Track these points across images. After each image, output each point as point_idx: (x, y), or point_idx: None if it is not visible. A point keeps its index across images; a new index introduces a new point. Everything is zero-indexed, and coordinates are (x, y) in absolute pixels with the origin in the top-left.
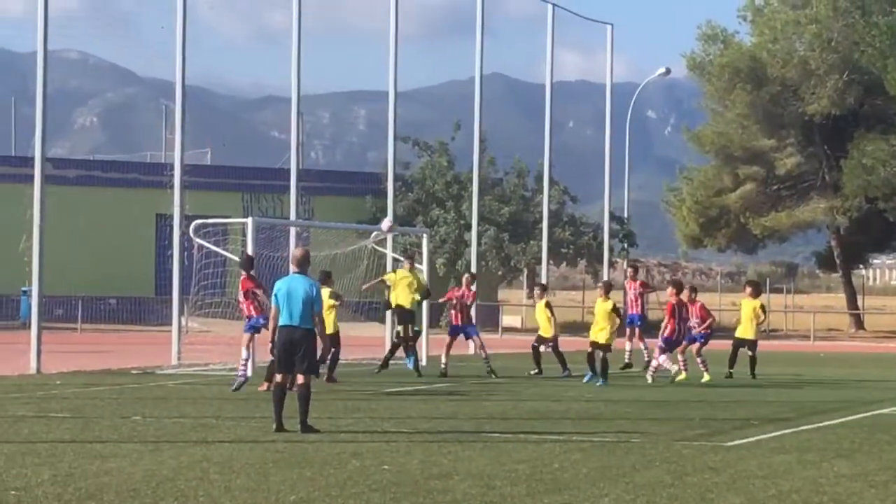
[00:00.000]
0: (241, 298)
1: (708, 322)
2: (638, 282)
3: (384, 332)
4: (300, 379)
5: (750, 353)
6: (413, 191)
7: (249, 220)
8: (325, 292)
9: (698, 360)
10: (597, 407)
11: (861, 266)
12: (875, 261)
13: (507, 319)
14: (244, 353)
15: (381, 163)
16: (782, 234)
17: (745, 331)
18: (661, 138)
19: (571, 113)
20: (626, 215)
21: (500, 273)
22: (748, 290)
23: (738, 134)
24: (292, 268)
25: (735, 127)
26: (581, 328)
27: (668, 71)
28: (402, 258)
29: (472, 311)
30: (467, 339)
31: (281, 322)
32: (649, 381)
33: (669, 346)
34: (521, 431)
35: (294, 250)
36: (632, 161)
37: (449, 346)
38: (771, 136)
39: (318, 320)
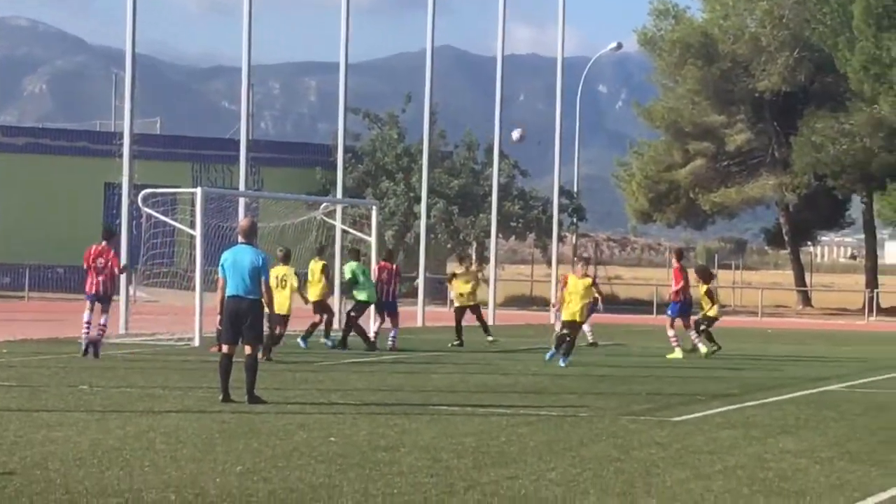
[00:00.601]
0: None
1: (678, 288)
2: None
3: (333, 304)
4: (247, 349)
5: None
6: (363, 163)
7: (198, 191)
8: (289, 270)
9: (671, 333)
10: (544, 381)
11: (809, 243)
12: (823, 238)
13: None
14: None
15: (331, 134)
16: (731, 211)
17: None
18: (612, 113)
19: (522, 86)
20: (575, 190)
21: (448, 246)
22: (697, 277)
23: (689, 109)
24: (239, 238)
25: (686, 102)
26: (530, 302)
27: (619, 46)
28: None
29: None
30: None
31: (227, 293)
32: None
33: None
34: (468, 404)
35: (241, 221)
36: (582, 135)
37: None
38: (721, 112)
39: (266, 290)
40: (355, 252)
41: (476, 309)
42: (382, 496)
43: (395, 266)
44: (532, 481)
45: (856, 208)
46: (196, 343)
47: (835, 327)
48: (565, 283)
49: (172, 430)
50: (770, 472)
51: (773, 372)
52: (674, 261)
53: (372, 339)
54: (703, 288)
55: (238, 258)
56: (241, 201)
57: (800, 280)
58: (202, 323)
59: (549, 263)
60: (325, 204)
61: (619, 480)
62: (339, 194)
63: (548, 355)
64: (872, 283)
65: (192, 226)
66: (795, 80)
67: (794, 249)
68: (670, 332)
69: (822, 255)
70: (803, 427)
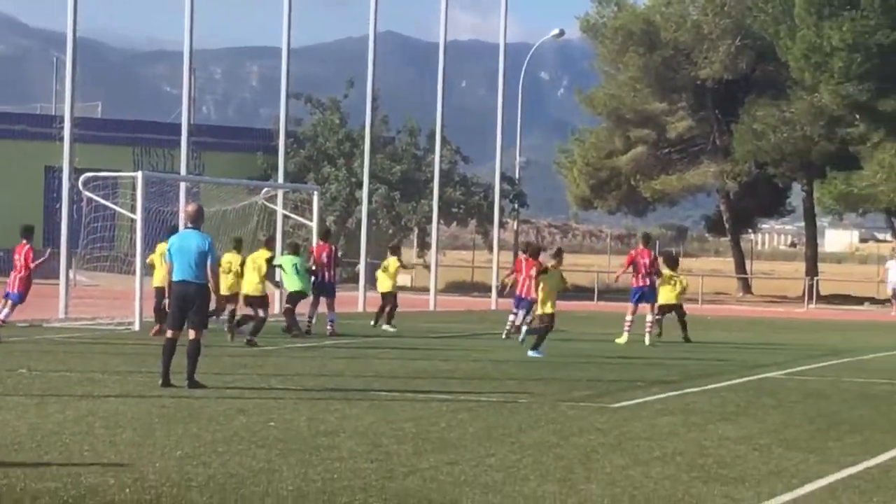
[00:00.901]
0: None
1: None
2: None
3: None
4: (191, 334)
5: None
6: (305, 148)
7: (139, 175)
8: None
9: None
10: (484, 367)
11: (750, 230)
12: (764, 225)
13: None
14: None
15: (273, 119)
16: (672, 198)
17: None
18: (554, 100)
19: (465, 72)
20: (517, 176)
21: (390, 232)
22: (663, 261)
23: (631, 97)
24: (186, 223)
25: (627, 90)
26: (470, 288)
27: (561, 32)
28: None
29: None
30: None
31: (174, 277)
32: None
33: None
34: (408, 390)
35: (187, 206)
36: (524, 122)
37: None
38: (663, 100)
39: (212, 275)
40: (294, 246)
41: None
42: (322, 481)
43: (333, 247)
44: (472, 467)
45: (796, 196)
46: (136, 327)
47: (774, 314)
48: (536, 275)
49: (112, 415)
50: (709, 459)
51: (713, 359)
52: (641, 245)
53: (307, 327)
54: (669, 274)
55: (184, 243)
56: (183, 186)
57: (740, 267)
58: (142, 307)
59: (490, 249)
60: (266, 189)
61: (559, 466)
62: (280, 179)
63: (520, 337)
64: (812, 270)
65: (133, 210)
66: (737, 68)
67: (735, 237)
68: (628, 317)
69: (763, 243)
70: (742, 414)
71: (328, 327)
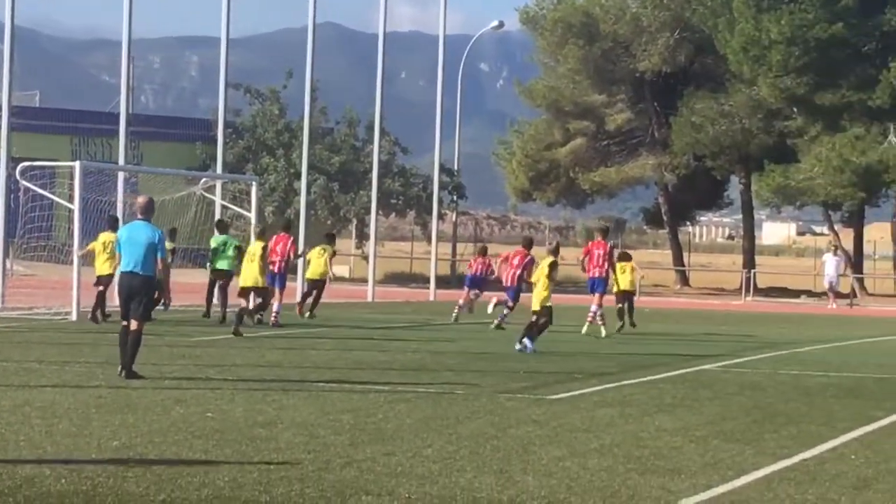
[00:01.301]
0: None
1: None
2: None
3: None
4: (133, 324)
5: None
6: (243, 138)
7: (77, 164)
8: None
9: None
10: (422, 358)
11: (688, 223)
12: (702, 218)
13: (336, 269)
14: None
15: (212, 109)
16: (611, 190)
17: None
18: (494, 91)
19: (404, 64)
20: (456, 167)
21: (329, 223)
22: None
23: (570, 89)
24: (137, 214)
25: (566, 82)
26: (409, 279)
27: (501, 24)
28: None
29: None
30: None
31: (122, 268)
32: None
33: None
34: (346, 381)
35: (138, 198)
36: (463, 113)
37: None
38: (602, 92)
39: (162, 267)
40: (223, 224)
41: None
42: (259, 472)
43: (291, 239)
44: (408, 458)
45: (734, 189)
46: (73, 317)
47: (712, 307)
48: (549, 269)
49: (48, 405)
50: (646, 451)
51: (651, 351)
52: (598, 237)
53: (273, 318)
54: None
55: (134, 235)
56: (121, 176)
57: (678, 260)
58: (80, 297)
59: (428, 241)
60: (204, 179)
61: (496, 458)
62: (219, 169)
63: (528, 350)
64: (749, 263)
65: (71, 200)
66: (676, 61)
67: (673, 229)
68: (595, 308)
69: (701, 235)
70: (679, 406)
71: (272, 317)
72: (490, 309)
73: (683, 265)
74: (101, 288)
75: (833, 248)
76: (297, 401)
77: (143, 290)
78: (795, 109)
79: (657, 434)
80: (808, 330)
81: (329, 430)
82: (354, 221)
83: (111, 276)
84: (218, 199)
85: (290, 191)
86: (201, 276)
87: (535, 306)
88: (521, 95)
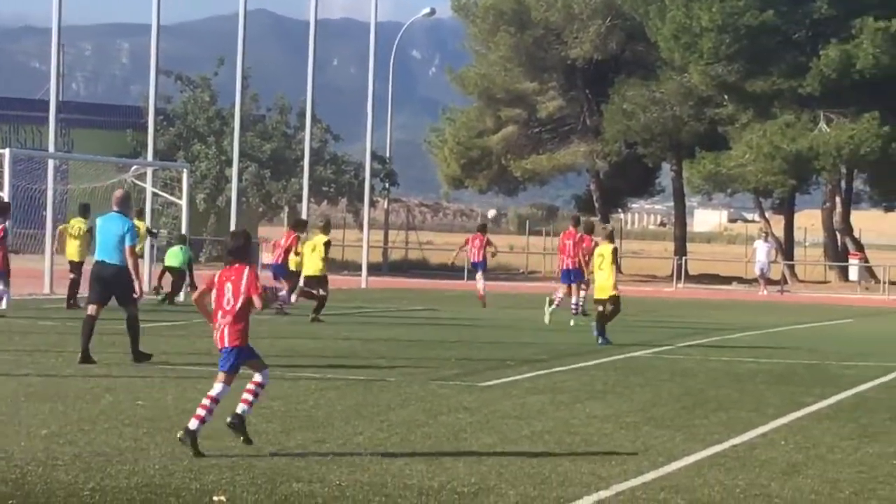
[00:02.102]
0: None
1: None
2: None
3: (142, 266)
4: (127, 311)
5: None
6: (174, 126)
7: (7, 152)
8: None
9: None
10: (353, 346)
11: (619, 210)
12: (633, 205)
13: (266, 257)
14: None
15: (143, 97)
16: (543, 177)
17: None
18: (426, 79)
19: (336, 51)
20: (388, 155)
21: (260, 210)
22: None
23: (501, 76)
24: (114, 207)
25: (498, 69)
26: (340, 267)
27: (432, 11)
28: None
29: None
30: None
31: (95, 257)
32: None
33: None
34: (277, 367)
35: (115, 192)
36: (395, 101)
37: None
38: (533, 79)
39: (130, 257)
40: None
41: None
42: (189, 459)
43: (295, 234)
44: (339, 445)
45: (665, 176)
46: (3, 305)
47: (643, 294)
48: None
49: None
50: (576, 437)
51: (582, 339)
52: (572, 227)
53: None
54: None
55: (106, 226)
56: (51, 163)
57: None
58: (8, 286)
59: (360, 228)
60: (135, 167)
61: (427, 445)
62: (149, 157)
63: (600, 341)
64: (681, 250)
65: (1, 187)
66: (607, 49)
67: (605, 216)
68: (559, 295)
69: (632, 223)
70: (610, 392)
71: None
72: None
73: None
74: (72, 275)
75: (764, 234)
76: None
77: (115, 279)
78: (726, 97)
79: (588, 421)
80: (739, 316)
81: (260, 417)
82: (286, 209)
83: (81, 263)
84: (149, 187)
85: (221, 178)
86: None
87: (604, 294)
88: (452, 83)
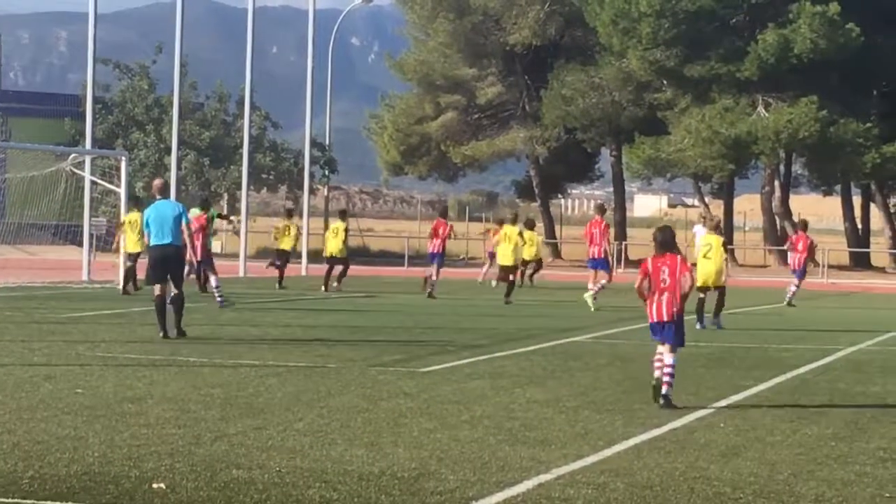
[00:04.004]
0: None
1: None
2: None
3: (81, 255)
4: (174, 290)
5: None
6: (113, 114)
7: None
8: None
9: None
10: (294, 332)
11: (559, 196)
12: (573, 191)
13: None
14: None
15: (81, 85)
16: (482, 163)
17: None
18: (365, 66)
19: (275, 38)
20: (327, 142)
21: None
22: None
23: (441, 62)
24: (155, 195)
25: (437, 55)
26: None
27: None
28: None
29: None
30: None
31: (153, 242)
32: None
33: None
34: (217, 356)
35: (154, 181)
36: (334, 88)
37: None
38: (472, 66)
39: (188, 235)
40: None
41: None
42: (129, 447)
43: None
44: (279, 432)
45: (605, 161)
46: None
47: (584, 279)
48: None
49: None
50: (516, 422)
51: (522, 323)
52: (598, 215)
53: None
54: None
55: (160, 212)
56: None
57: (550, 232)
58: None
59: (300, 215)
60: (73, 155)
61: (367, 430)
62: (88, 145)
63: (698, 326)
64: (621, 235)
65: None
66: (546, 34)
67: (545, 202)
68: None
69: (573, 208)
70: (550, 377)
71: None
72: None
73: (555, 238)
74: (129, 263)
75: (703, 219)
76: (167, 376)
77: (176, 258)
78: (665, 82)
79: (528, 405)
80: None
81: (200, 404)
82: (226, 196)
83: (140, 253)
84: (87, 175)
85: (160, 166)
86: (74, 254)
87: (707, 282)
88: (392, 69)
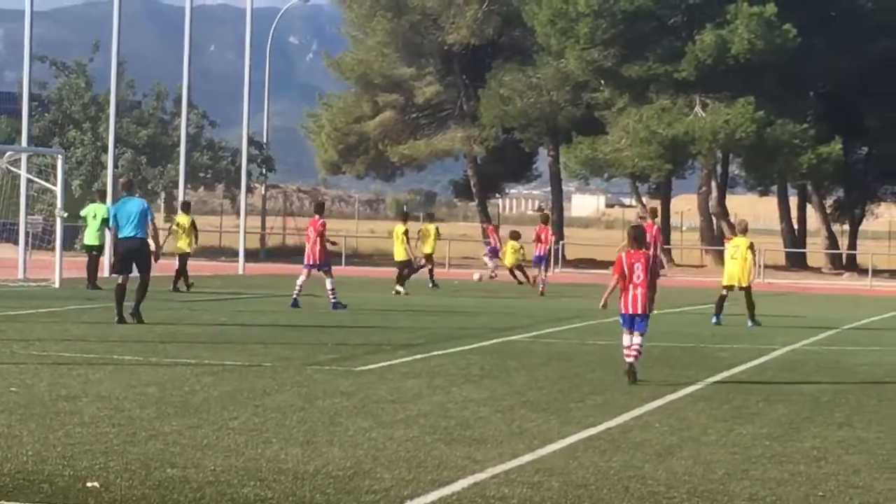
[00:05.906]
0: None
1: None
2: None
3: (17, 253)
4: (142, 277)
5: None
6: (50, 111)
7: None
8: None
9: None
10: (230, 331)
11: (497, 195)
12: (511, 191)
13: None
14: None
15: (17, 82)
16: (420, 163)
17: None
18: (303, 65)
19: (213, 37)
20: (265, 141)
21: (137, 196)
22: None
23: (378, 62)
24: (123, 193)
25: (375, 55)
26: (218, 252)
27: None
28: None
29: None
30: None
31: (121, 235)
32: None
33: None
34: (152, 354)
35: (121, 179)
36: (272, 87)
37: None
38: (410, 65)
39: (153, 229)
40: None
41: None
42: (63, 446)
43: (320, 220)
44: (214, 430)
45: (543, 161)
46: None
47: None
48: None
49: None
50: (452, 421)
51: (459, 323)
52: (650, 219)
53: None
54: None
55: (126, 208)
56: None
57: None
58: None
59: (238, 214)
60: (9, 153)
61: (302, 430)
62: (24, 143)
63: (713, 320)
64: (558, 235)
65: None
66: (484, 34)
67: (483, 202)
68: None
69: (510, 208)
70: (487, 376)
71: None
72: None
73: None
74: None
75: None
76: (102, 375)
77: (140, 250)
78: (603, 82)
79: (464, 404)
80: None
81: (134, 403)
82: (163, 195)
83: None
84: (23, 173)
85: (97, 164)
86: (10, 252)
87: (731, 281)
88: (330, 68)
